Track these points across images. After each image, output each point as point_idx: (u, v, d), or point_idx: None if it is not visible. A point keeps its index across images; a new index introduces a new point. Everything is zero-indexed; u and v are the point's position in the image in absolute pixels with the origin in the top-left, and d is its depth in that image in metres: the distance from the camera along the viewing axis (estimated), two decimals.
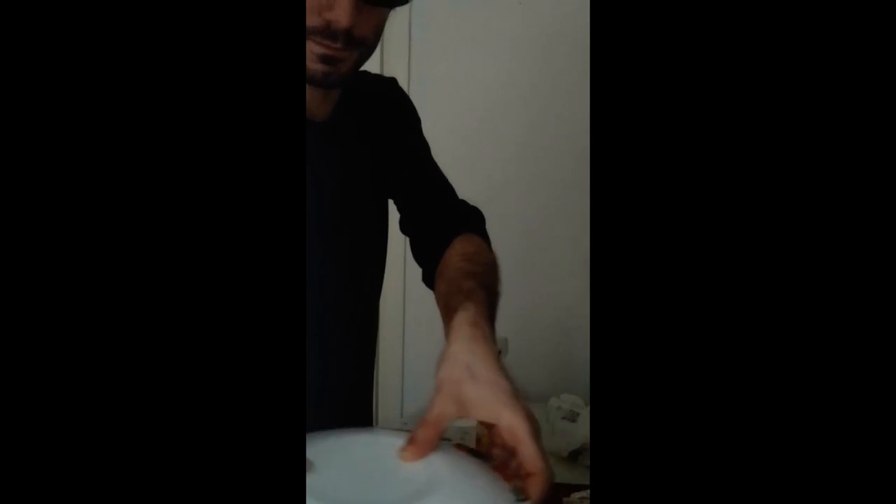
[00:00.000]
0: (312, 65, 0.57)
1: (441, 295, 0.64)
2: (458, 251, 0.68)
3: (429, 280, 0.72)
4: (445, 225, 0.72)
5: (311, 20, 0.54)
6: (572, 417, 1.21)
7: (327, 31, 0.55)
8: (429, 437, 0.46)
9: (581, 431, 1.17)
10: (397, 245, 1.60)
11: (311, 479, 0.40)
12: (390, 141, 0.73)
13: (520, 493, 0.44)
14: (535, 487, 0.44)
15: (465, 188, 1.60)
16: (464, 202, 0.77)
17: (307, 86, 0.59)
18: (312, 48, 0.56)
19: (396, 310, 1.63)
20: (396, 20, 1.61)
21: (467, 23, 1.55)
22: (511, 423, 0.46)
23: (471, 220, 0.74)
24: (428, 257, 0.72)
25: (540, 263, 1.61)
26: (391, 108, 0.76)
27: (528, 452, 0.45)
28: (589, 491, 0.99)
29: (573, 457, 1.18)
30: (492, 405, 0.47)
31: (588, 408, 1.24)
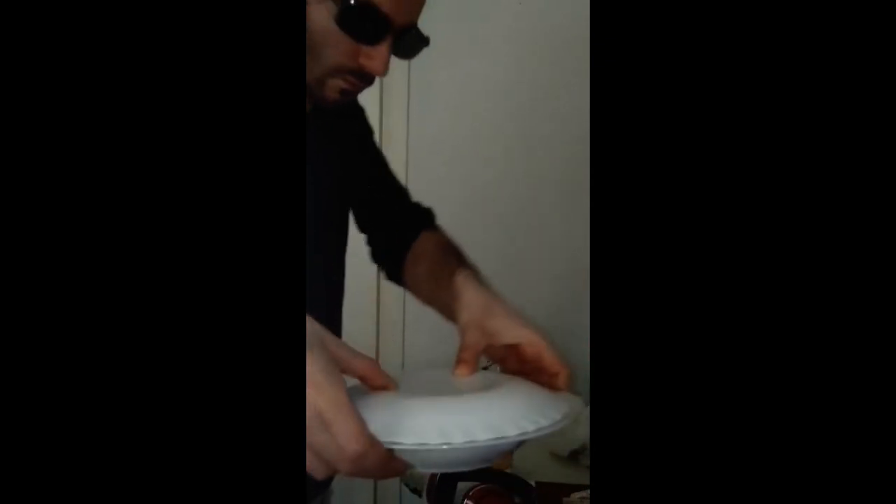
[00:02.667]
0: (332, 95, 0.61)
1: (423, 276, 0.73)
2: (430, 242, 0.77)
3: (396, 274, 0.79)
4: (407, 224, 0.80)
5: (346, 61, 0.59)
6: None
7: (359, 74, 0.60)
8: (472, 357, 0.56)
9: (581, 431, 1.17)
10: None
11: (396, 392, 0.48)
12: (350, 146, 0.78)
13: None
14: (564, 381, 0.55)
15: (465, 188, 1.60)
16: (418, 203, 0.84)
17: (322, 102, 0.64)
18: (338, 83, 0.61)
19: (397, 310, 1.63)
20: None
21: (467, 23, 1.54)
22: (533, 338, 0.56)
23: (429, 218, 0.82)
24: (392, 255, 0.79)
25: (540, 263, 1.61)
26: (348, 117, 0.81)
27: (550, 356, 0.56)
28: (589, 491, 0.99)
29: (573, 457, 1.18)
30: (514, 329, 0.57)
31: (588, 408, 1.24)
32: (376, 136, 0.84)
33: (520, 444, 0.46)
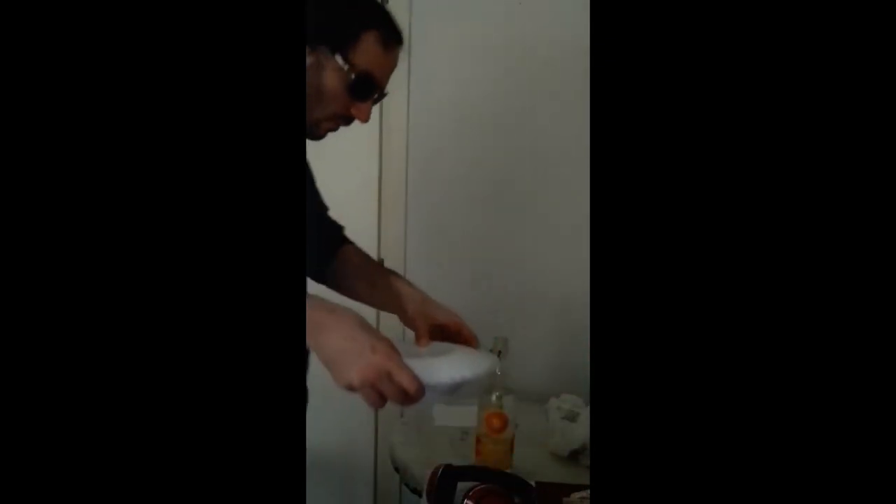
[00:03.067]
0: (321, 133, 0.86)
1: (357, 282, 0.97)
2: (354, 255, 1.01)
3: (320, 275, 1.00)
4: (329, 233, 1.03)
5: (342, 111, 0.84)
6: (572, 417, 1.21)
7: (346, 119, 0.85)
8: (427, 334, 0.82)
9: (581, 431, 1.17)
10: (398, 250, 1.60)
11: (404, 357, 0.69)
12: None
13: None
14: (475, 342, 0.82)
15: (467, 188, 1.60)
16: (335, 220, 1.06)
17: (310, 138, 0.86)
18: (329, 125, 0.85)
19: None
20: (397, 19, 1.60)
21: (467, 23, 1.55)
22: (456, 318, 0.84)
23: (343, 232, 1.05)
24: (316, 259, 0.99)
25: (540, 264, 1.61)
26: None
27: (467, 330, 0.83)
28: (589, 491, 0.99)
29: (573, 457, 1.18)
30: (443, 313, 0.84)
31: (588, 408, 1.24)
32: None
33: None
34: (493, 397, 1.09)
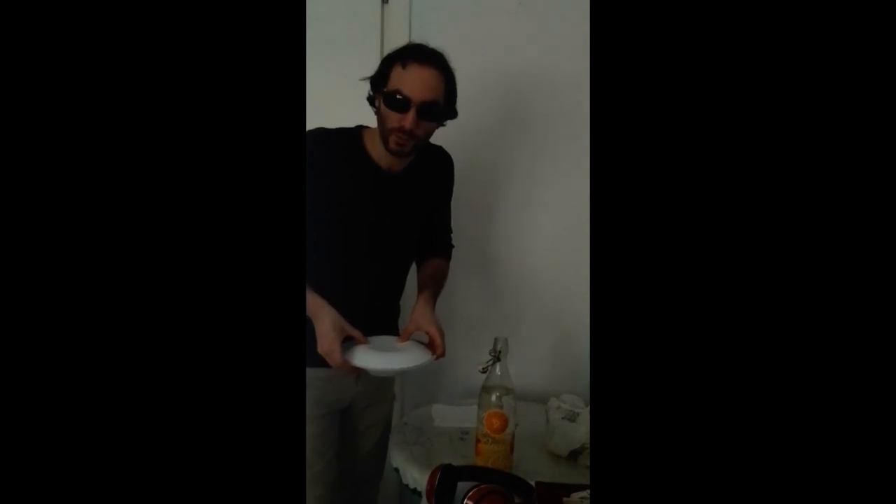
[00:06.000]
0: (391, 147, 1.11)
1: (419, 278, 1.30)
2: (432, 266, 1.31)
3: (419, 266, 1.35)
4: (437, 248, 1.35)
5: (395, 125, 1.08)
6: (572, 417, 1.21)
7: (406, 132, 1.09)
8: (407, 336, 1.16)
9: (581, 431, 1.17)
10: None
11: (366, 346, 1.11)
12: (433, 189, 1.29)
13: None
14: (439, 352, 1.13)
15: (468, 188, 1.60)
16: (450, 237, 1.38)
17: (390, 153, 1.13)
18: (394, 138, 1.10)
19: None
20: (397, 20, 1.59)
21: (467, 23, 1.55)
22: (433, 330, 1.14)
23: (447, 250, 1.36)
24: (419, 259, 1.35)
25: (541, 264, 1.61)
26: (438, 165, 1.30)
27: (439, 341, 1.13)
28: (589, 491, 0.99)
29: (573, 457, 1.18)
30: (427, 325, 1.15)
31: (588, 408, 1.24)
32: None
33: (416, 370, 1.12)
34: (493, 397, 1.09)
